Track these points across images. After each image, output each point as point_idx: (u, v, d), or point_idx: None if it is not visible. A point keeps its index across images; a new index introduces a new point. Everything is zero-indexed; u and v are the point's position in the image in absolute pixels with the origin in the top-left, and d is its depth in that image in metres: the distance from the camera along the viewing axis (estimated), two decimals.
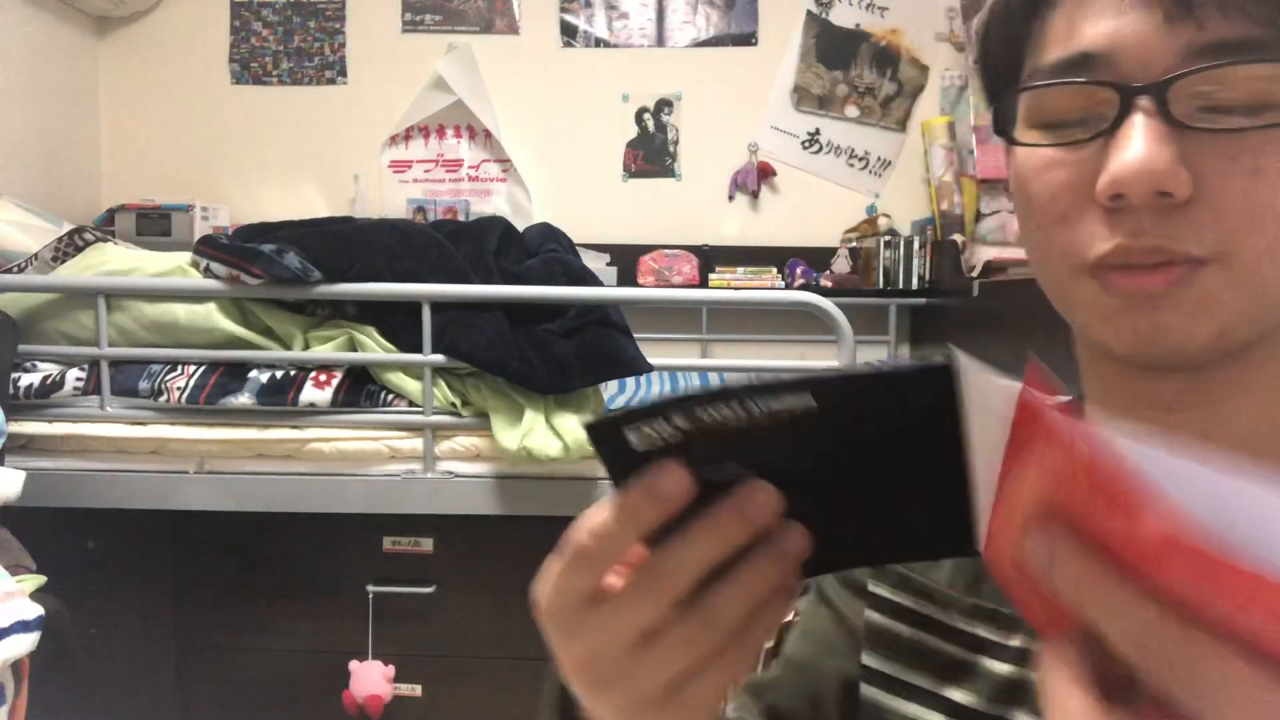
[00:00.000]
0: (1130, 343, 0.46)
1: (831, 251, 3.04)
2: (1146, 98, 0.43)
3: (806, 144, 3.12)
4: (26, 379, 1.75)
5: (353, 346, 1.77)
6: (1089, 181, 0.44)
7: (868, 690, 0.58)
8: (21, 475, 1.51)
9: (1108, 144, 0.43)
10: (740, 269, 2.98)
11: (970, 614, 0.56)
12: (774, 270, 2.98)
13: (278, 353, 1.77)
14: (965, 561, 0.56)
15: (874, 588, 0.60)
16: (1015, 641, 0.53)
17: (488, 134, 3.12)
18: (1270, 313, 0.44)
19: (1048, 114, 0.47)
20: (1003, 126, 0.49)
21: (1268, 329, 0.45)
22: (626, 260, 3.01)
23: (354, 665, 1.82)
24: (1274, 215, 0.42)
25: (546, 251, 1.96)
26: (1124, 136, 0.43)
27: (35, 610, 1.34)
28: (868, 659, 0.59)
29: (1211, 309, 0.44)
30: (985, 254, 2.64)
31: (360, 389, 1.76)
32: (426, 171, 3.16)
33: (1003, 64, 0.50)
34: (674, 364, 2.11)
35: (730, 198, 3.14)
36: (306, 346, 1.78)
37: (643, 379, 2.49)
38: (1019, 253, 2.65)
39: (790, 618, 0.68)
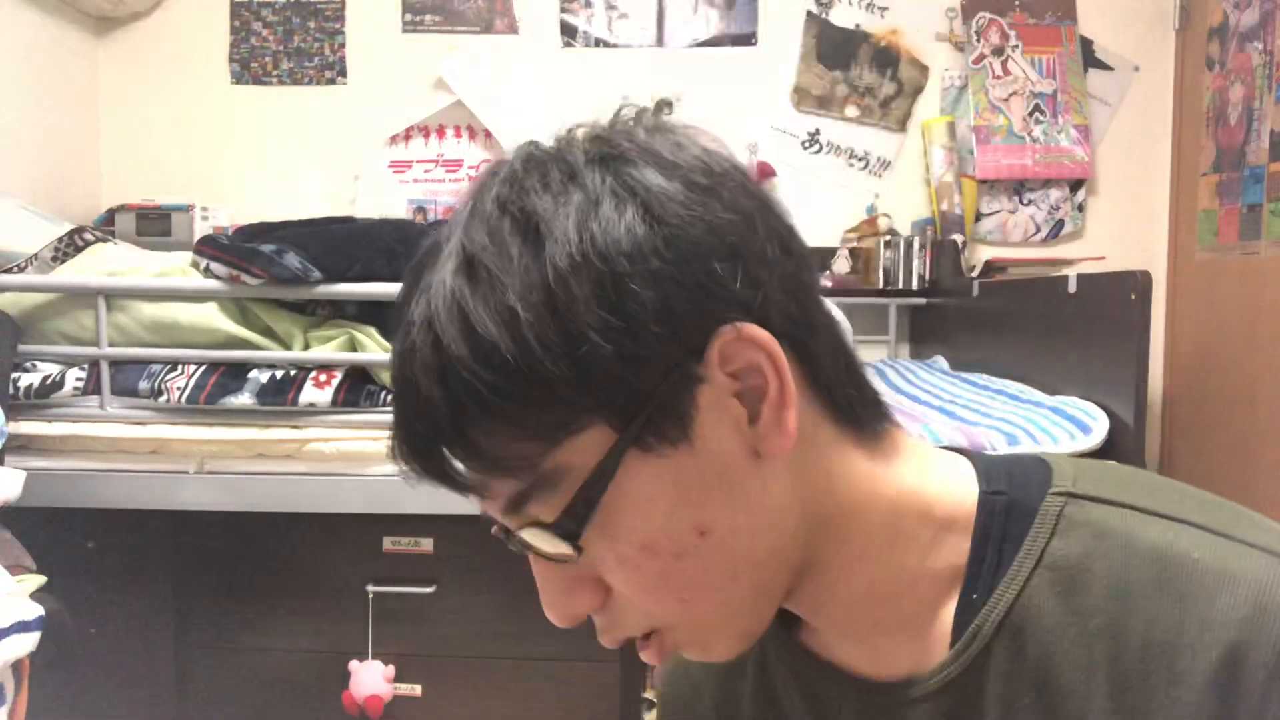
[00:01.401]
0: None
1: (831, 251, 3.04)
2: (511, 541, 0.50)
3: (806, 144, 3.12)
4: (26, 379, 1.75)
5: (353, 346, 1.77)
6: None
7: None
8: (21, 475, 1.51)
9: None
10: None
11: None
12: None
13: (278, 353, 1.77)
14: None
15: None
16: None
17: (488, 134, 3.12)
18: (753, 600, 0.51)
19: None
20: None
21: (771, 592, 0.51)
22: None
23: (354, 665, 1.82)
24: (652, 588, 0.48)
25: None
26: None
27: (35, 610, 1.34)
28: None
29: (708, 644, 0.52)
30: (985, 254, 2.64)
31: (360, 389, 1.76)
32: (426, 171, 3.16)
33: None
34: None
35: None
36: (306, 346, 1.78)
37: None
38: (1019, 253, 2.66)
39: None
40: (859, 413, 0.52)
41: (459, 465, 0.48)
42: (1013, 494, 0.52)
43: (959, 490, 0.53)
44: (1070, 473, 0.52)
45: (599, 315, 0.43)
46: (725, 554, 0.47)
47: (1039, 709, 0.48)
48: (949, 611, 0.51)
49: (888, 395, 2.32)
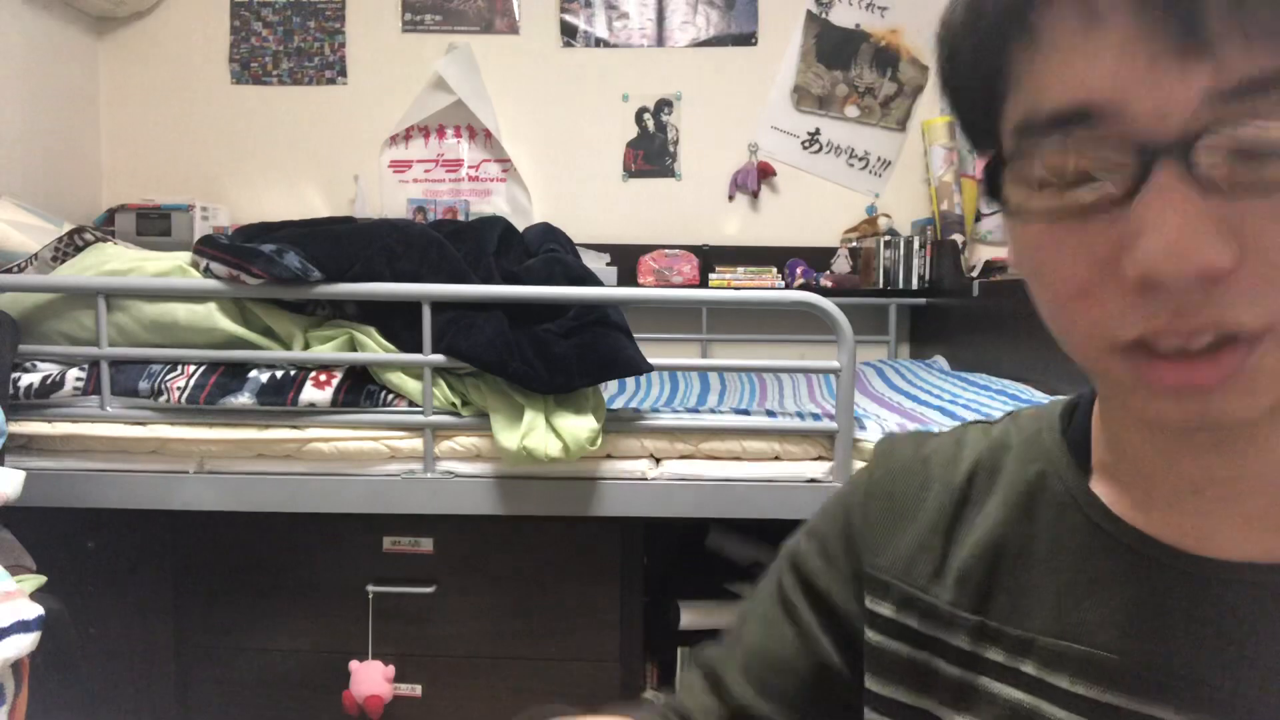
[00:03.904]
0: (1176, 426, 0.42)
1: (831, 251, 3.05)
2: (1170, 159, 0.36)
3: (806, 144, 3.12)
4: (26, 379, 1.75)
5: (353, 346, 1.77)
6: (1111, 252, 0.38)
7: (871, 716, 0.56)
8: (21, 475, 1.51)
9: (1129, 211, 0.37)
10: (740, 269, 2.98)
11: (976, 634, 0.52)
12: (774, 270, 2.98)
13: (278, 353, 1.77)
14: (973, 572, 0.54)
15: (873, 605, 0.57)
16: (1027, 668, 0.50)
17: (488, 134, 3.12)
18: None
19: (1048, 174, 0.40)
20: (995, 191, 0.42)
21: None
22: (626, 260, 3.01)
23: (354, 665, 1.82)
24: None
25: (546, 251, 1.96)
26: (1150, 210, 0.36)
27: (35, 610, 1.34)
28: (870, 682, 0.56)
29: (1266, 388, 0.39)
30: (985, 254, 2.64)
31: (360, 389, 1.76)
32: (426, 171, 3.16)
33: (979, 103, 0.43)
34: (674, 364, 2.11)
35: (730, 198, 3.14)
36: (306, 346, 1.78)
37: (643, 379, 2.49)
38: None
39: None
40: None
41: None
42: None
43: None
44: None
45: None
46: None
47: None
48: None
49: (888, 395, 2.33)
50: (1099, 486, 0.51)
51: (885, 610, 0.56)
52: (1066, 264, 0.40)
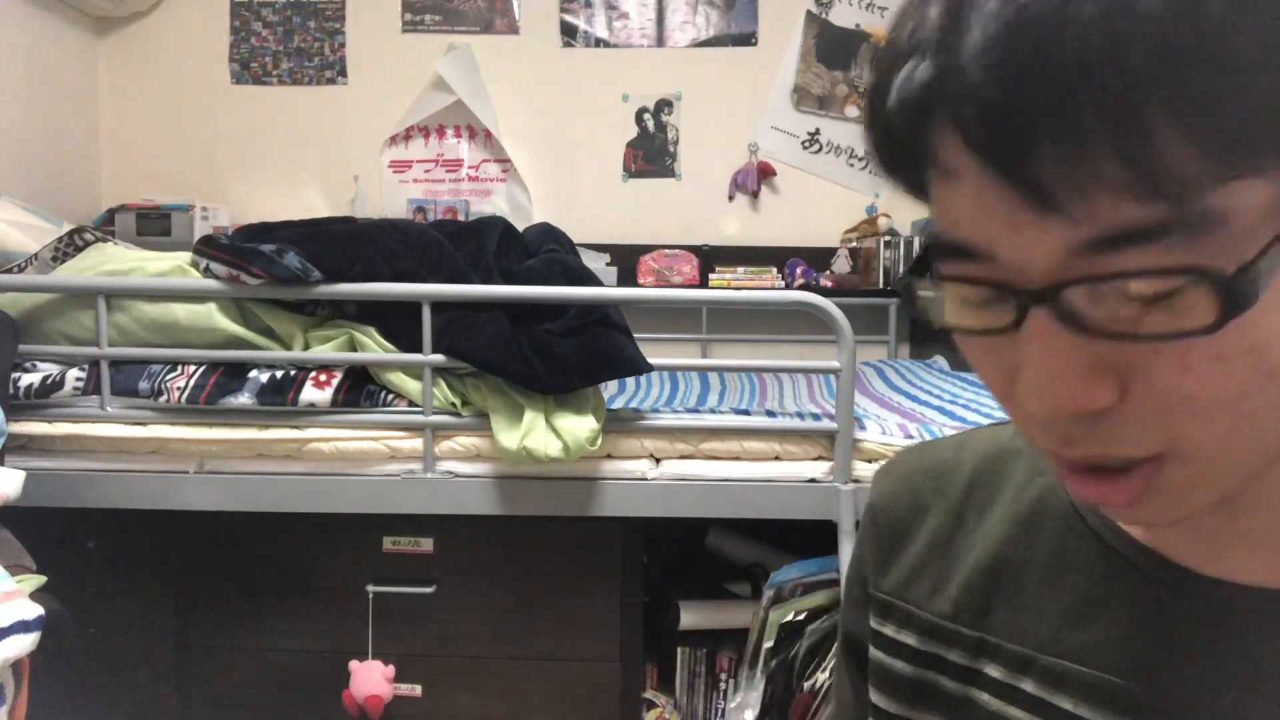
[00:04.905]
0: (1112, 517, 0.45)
1: (831, 251, 3.04)
2: (1040, 305, 0.36)
3: (806, 144, 3.12)
4: (26, 379, 1.75)
5: (353, 346, 1.77)
6: (1013, 375, 0.39)
7: None
8: (21, 475, 1.51)
9: (1016, 342, 0.38)
10: (740, 269, 2.98)
11: (975, 649, 0.52)
12: (774, 270, 2.98)
13: (278, 353, 1.77)
14: (975, 587, 0.53)
15: (877, 625, 0.57)
16: (1027, 686, 0.49)
17: (488, 134, 3.12)
18: (1264, 465, 0.40)
19: (955, 290, 0.41)
20: (915, 299, 0.43)
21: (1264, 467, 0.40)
22: (626, 260, 3.01)
23: (354, 665, 1.82)
24: (1220, 403, 0.36)
25: (546, 251, 1.96)
26: (1027, 350, 0.37)
27: (35, 610, 1.34)
28: (875, 697, 0.57)
29: (1184, 500, 0.40)
30: None
31: (360, 389, 1.76)
32: (426, 171, 3.16)
33: (906, 178, 0.43)
34: (674, 364, 2.10)
35: (730, 198, 3.14)
36: (306, 346, 1.78)
37: (643, 379, 2.49)
38: None
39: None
40: None
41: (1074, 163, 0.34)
42: None
43: None
44: None
45: None
46: None
47: None
48: None
49: (888, 395, 2.32)
50: None
51: (888, 630, 0.56)
52: (987, 372, 0.42)
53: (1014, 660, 0.50)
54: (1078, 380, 0.37)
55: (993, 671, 0.51)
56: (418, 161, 3.16)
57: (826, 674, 1.66)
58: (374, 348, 1.75)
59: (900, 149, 0.40)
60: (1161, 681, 0.45)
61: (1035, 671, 0.49)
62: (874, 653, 0.57)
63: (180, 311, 1.76)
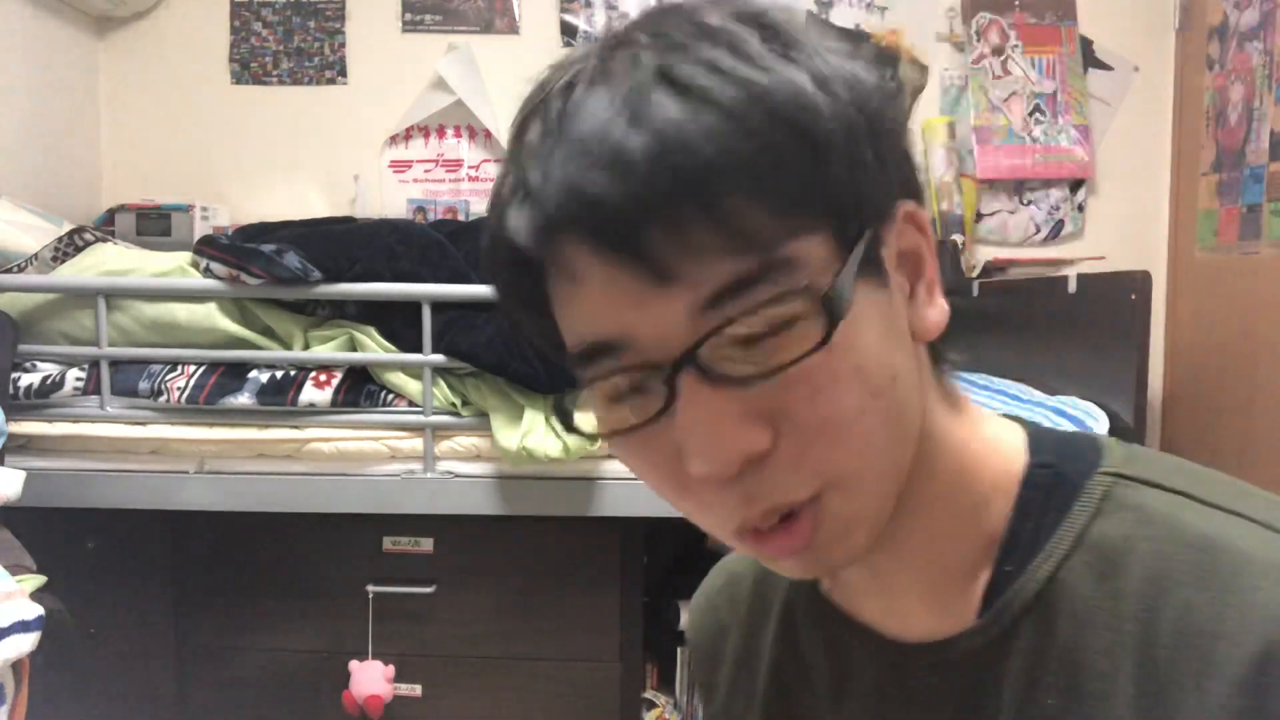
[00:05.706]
0: (807, 576, 0.51)
1: None
2: (683, 372, 0.41)
3: None
4: (26, 379, 1.75)
5: (353, 346, 1.77)
6: (679, 458, 0.43)
7: None
8: (21, 475, 1.51)
9: (674, 420, 0.43)
10: None
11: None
12: None
13: (278, 353, 1.77)
14: (770, 700, 0.60)
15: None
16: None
17: (488, 134, 3.12)
18: (896, 486, 0.47)
19: (606, 394, 0.45)
20: (571, 423, 0.47)
21: (900, 488, 0.47)
22: None
23: (354, 665, 1.82)
24: (846, 422, 0.42)
25: None
26: (684, 419, 0.42)
27: (35, 610, 1.34)
28: None
29: (853, 530, 0.45)
30: (985, 254, 2.64)
31: (360, 389, 1.76)
32: (426, 171, 3.16)
33: (538, 331, 0.48)
34: None
35: None
36: (306, 346, 1.78)
37: None
38: (1019, 253, 2.65)
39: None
40: (943, 356, 0.52)
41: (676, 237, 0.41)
42: (1060, 468, 0.50)
43: (1008, 456, 0.51)
44: (1122, 454, 0.50)
45: (867, 122, 0.43)
46: (899, 410, 0.45)
47: (1061, 690, 0.47)
48: (980, 582, 0.50)
49: None
50: (832, 583, 0.57)
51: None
52: (654, 471, 0.46)
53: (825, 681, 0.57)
54: (735, 426, 0.42)
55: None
56: (418, 161, 3.16)
57: None
58: (374, 348, 1.75)
59: (525, 277, 0.45)
60: None
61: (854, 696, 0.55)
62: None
63: (180, 311, 1.76)
